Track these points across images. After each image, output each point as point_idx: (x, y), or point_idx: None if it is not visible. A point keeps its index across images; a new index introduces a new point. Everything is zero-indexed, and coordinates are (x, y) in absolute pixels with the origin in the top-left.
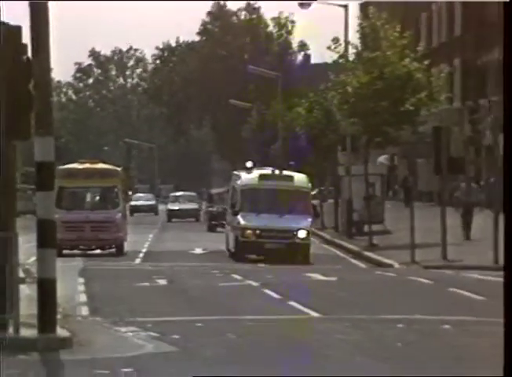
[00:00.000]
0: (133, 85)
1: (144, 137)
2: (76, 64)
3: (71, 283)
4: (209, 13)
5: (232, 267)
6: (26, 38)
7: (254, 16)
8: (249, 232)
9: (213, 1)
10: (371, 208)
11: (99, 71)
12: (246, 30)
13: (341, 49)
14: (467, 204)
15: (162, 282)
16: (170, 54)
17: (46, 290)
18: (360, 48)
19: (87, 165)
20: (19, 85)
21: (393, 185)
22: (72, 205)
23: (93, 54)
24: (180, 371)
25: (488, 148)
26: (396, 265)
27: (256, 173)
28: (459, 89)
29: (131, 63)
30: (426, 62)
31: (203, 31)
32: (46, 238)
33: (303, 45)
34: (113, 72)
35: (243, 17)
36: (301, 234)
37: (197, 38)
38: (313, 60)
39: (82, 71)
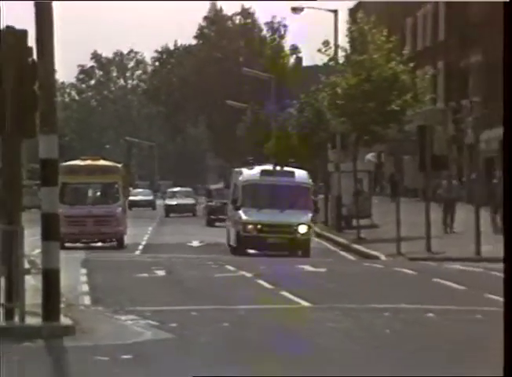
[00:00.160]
0: (133, 86)
1: (144, 135)
2: (79, 66)
3: (74, 274)
4: (205, 18)
5: (227, 259)
6: (31, 41)
7: (249, 20)
8: (250, 226)
9: (209, 6)
10: (359, 203)
11: (101, 72)
12: (240, 34)
13: (331, 52)
14: (448, 200)
15: (161, 273)
16: (168, 57)
17: (50, 280)
18: (348, 51)
19: (89, 162)
20: (25, 86)
21: (381, 181)
22: (75, 200)
23: (95, 56)
24: (177, 357)
25: (469, 146)
26: (383, 257)
27: (257, 169)
28: (443, 90)
29: (131, 65)
30: (411, 65)
31: (200, 34)
32: (50, 231)
33: (295, 49)
34: (114, 74)
35: (237, 22)
36: (302, 229)
37: (194, 42)
38: (305, 63)
39: (85, 73)
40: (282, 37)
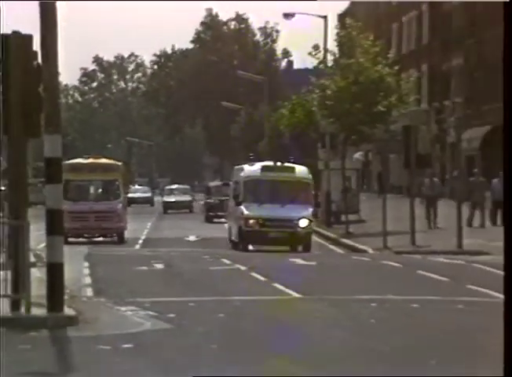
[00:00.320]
0: (133, 88)
1: (144, 135)
2: (82, 69)
3: (77, 267)
4: (202, 23)
5: (222, 253)
6: (36, 45)
7: (243, 26)
8: (252, 221)
9: (205, 12)
10: (348, 199)
11: (102, 75)
12: (235, 38)
13: (321, 55)
14: (431, 197)
15: (159, 266)
16: (166, 60)
17: (55, 273)
18: (337, 55)
19: (91, 160)
20: (30, 88)
21: (368, 179)
22: (77, 196)
23: (97, 60)
24: (175, 346)
25: (452, 145)
26: (370, 251)
27: (258, 165)
28: (426, 91)
29: (131, 68)
30: (396, 67)
31: (197, 39)
32: (55, 226)
33: (287, 52)
34: (115, 76)
35: (232, 27)
36: (303, 223)
37: (191, 46)
38: (296, 66)
39: (87, 76)
40: (274, 41)
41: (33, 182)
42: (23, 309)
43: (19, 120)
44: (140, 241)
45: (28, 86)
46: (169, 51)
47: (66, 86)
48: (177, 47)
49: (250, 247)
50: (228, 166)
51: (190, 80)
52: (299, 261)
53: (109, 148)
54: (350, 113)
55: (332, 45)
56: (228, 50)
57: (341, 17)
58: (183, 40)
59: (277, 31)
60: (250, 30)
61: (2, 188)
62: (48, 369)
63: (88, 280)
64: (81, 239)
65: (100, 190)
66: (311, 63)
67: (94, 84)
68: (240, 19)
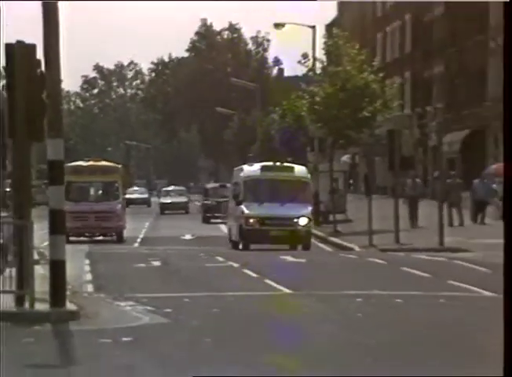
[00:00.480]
0: (132, 94)
1: (142, 139)
2: (83, 76)
3: (79, 265)
4: (197, 33)
5: (216, 250)
6: (39, 54)
7: (236, 35)
8: (252, 220)
9: (200, 22)
10: (335, 200)
11: (102, 82)
12: (228, 47)
13: (310, 63)
14: (413, 197)
15: (157, 263)
16: (163, 68)
17: (57, 270)
18: (325, 63)
19: (91, 162)
20: (34, 95)
21: (355, 180)
22: (79, 197)
23: (97, 68)
24: (171, 339)
25: (433, 148)
26: (357, 249)
27: (258, 165)
28: (409, 97)
29: (130, 75)
30: (380, 75)
31: (192, 48)
32: (57, 225)
33: (277, 61)
34: (115, 83)
35: (226, 36)
36: (303, 221)
37: (186, 54)
38: (286, 73)
39: (88, 83)
40: (265, 50)
41: (37, 184)
42: (27, 305)
43: (23, 125)
44: (139, 240)
45: (32, 92)
46: (166, 59)
47: (68, 92)
48: (173, 55)
49: (252, 246)
50: (223, 168)
51: (186, 87)
52: (289, 258)
53: (109, 152)
54: (338, 118)
55: (320, 53)
56: (221, 59)
57: (329, 27)
58: (179, 49)
59: (268, 41)
60: (242, 39)
61: (7, 189)
62: (51, 361)
63: (89, 277)
64: (82, 238)
65: (100, 191)
66: (301, 70)
67: (95, 91)
68: (233, 29)
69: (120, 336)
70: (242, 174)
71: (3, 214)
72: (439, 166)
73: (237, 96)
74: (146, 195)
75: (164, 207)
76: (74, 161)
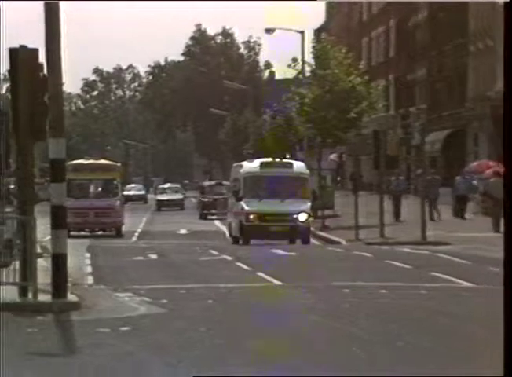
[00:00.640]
0: (130, 96)
1: (140, 138)
2: (83, 79)
3: (79, 258)
4: (191, 38)
5: (210, 244)
6: (42, 58)
7: (228, 40)
8: (253, 216)
9: (195, 28)
10: (324, 196)
11: (102, 84)
12: (221, 51)
13: (299, 67)
14: (396, 194)
15: (154, 256)
16: (160, 71)
17: (59, 263)
18: (314, 66)
19: (91, 161)
20: (36, 97)
21: (343, 178)
22: (79, 194)
23: (97, 71)
24: (167, 329)
25: (416, 147)
26: (344, 242)
27: (257, 161)
28: (393, 99)
29: (129, 78)
30: (366, 77)
31: (187, 52)
32: (59, 220)
33: (268, 64)
34: (114, 86)
35: (219, 41)
36: (302, 217)
37: (182, 58)
38: (277, 76)
39: (88, 85)
40: (257, 54)
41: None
42: (30, 296)
43: (26, 125)
44: (136, 234)
45: (35, 94)
46: (162, 63)
47: (69, 94)
48: (169, 59)
49: (252, 242)
50: (216, 166)
51: (181, 89)
52: (280, 251)
53: (108, 150)
54: (326, 119)
55: (309, 57)
56: (215, 62)
57: (317, 32)
58: (175, 53)
59: (260, 45)
60: (235, 44)
61: (11, 186)
62: (53, 349)
63: (89, 269)
64: (82, 233)
65: (100, 188)
66: (290, 74)
67: (95, 93)
68: (226, 34)
69: (118, 325)
70: (242, 171)
71: (7, 210)
72: (422, 164)
73: (230, 98)
74: (143, 192)
75: (160, 204)
76: (75, 159)
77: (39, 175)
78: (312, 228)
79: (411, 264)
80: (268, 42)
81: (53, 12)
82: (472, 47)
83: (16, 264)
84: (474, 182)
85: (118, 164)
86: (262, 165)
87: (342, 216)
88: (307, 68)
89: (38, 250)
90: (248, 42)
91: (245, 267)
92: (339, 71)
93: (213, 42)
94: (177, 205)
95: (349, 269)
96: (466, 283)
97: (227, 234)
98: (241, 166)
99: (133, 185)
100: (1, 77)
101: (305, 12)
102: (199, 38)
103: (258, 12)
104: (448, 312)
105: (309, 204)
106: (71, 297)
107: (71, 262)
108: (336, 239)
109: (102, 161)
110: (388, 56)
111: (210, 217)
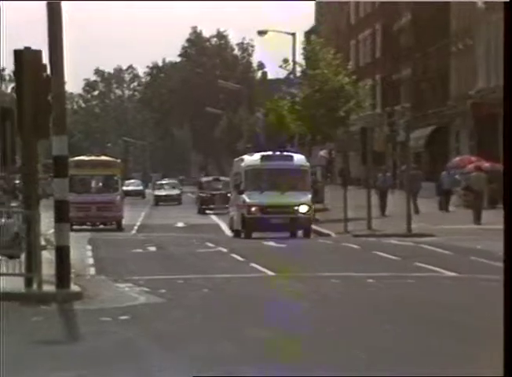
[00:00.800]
0: (129, 95)
1: (138, 136)
2: (85, 79)
3: (82, 250)
4: (188, 40)
5: (206, 237)
6: (45, 59)
7: (223, 42)
8: (254, 208)
9: (191, 30)
10: (314, 191)
11: (103, 84)
12: (217, 53)
13: (290, 67)
14: (382, 189)
15: (152, 248)
16: (158, 72)
17: (62, 255)
18: (304, 67)
19: (93, 157)
20: (40, 96)
21: (332, 173)
22: (81, 189)
23: (98, 72)
24: (166, 317)
25: (401, 143)
26: (333, 235)
27: (258, 155)
28: (380, 98)
29: (128, 78)
30: (354, 77)
31: (184, 53)
32: (62, 214)
33: (261, 65)
34: (114, 86)
35: (214, 43)
36: (303, 209)
37: (179, 59)
38: (269, 76)
39: (90, 85)
40: (250, 55)
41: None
42: (35, 286)
43: (30, 124)
44: (136, 227)
45: (38, 94)
46: (160, 64)
47: (71, 94)
48: (167, 60)
49: (254, 235)
50: (212, 162)
51: (178, 89)
52: (272, 244)
53: (109, 147)
54: (316, 117)
55: (300, 58)
56: (210, 63)
57: (308, 34)
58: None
59: (253, 46)
60: (229, 45)
61: (17, 182)
62: (58, 337)
63: (91, 261)
64: (84, 227)
65: (101, 184)
66: (282, 74)
67: (96, 92)
68: (221, 36)
69: (119, 314)
70: (243, 164)
71: (13, 205)
72: (406, 160)
73: (225, 98)
74: (141, 187)
75: (158, 199)
76: (77, 156)
77: (43, 171)
78: None
79: (398, 255)
80: (261, 43)
81: (55, 13)
82: (453, 47)
83: (22, 256)
84: (457, 176)
85: (118, 160)
86: (263, 158)
87: (332, 209)
88: (298, 69)
89: (43, 243)
90: (242, 43)
91: (239, 258)
92: (328, 72)
93: (208, 43)
94: (175, 200)
95: (337, 260)
96: (448, 273)
97: (223, 227)
98: (242, 160)
99: (131, 181)
100: (2, 74)
101: (297, 15)
102: (195, 39)
103: (251, 14)
104: (432, 299)
105: (310, 196)
106: (74, 287)
107: (73, 254)
108: (326, 231)
109: (103, 157)
110: (374, 58)
111: (208, 211)
